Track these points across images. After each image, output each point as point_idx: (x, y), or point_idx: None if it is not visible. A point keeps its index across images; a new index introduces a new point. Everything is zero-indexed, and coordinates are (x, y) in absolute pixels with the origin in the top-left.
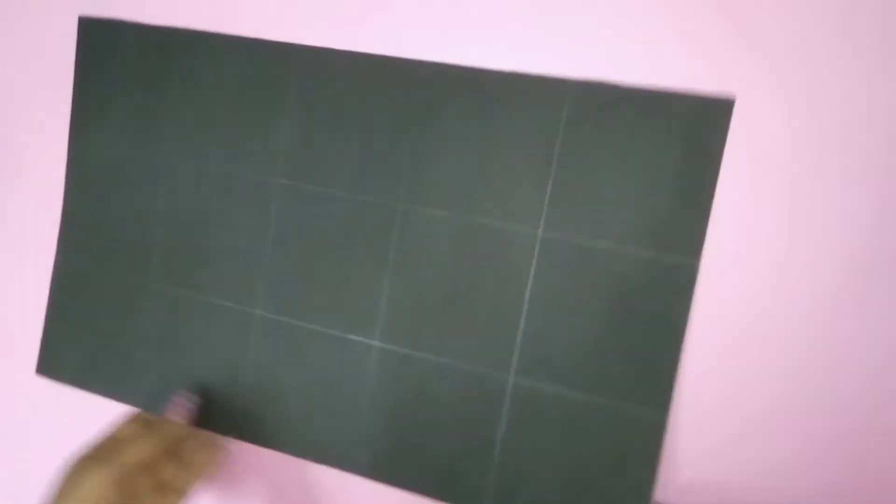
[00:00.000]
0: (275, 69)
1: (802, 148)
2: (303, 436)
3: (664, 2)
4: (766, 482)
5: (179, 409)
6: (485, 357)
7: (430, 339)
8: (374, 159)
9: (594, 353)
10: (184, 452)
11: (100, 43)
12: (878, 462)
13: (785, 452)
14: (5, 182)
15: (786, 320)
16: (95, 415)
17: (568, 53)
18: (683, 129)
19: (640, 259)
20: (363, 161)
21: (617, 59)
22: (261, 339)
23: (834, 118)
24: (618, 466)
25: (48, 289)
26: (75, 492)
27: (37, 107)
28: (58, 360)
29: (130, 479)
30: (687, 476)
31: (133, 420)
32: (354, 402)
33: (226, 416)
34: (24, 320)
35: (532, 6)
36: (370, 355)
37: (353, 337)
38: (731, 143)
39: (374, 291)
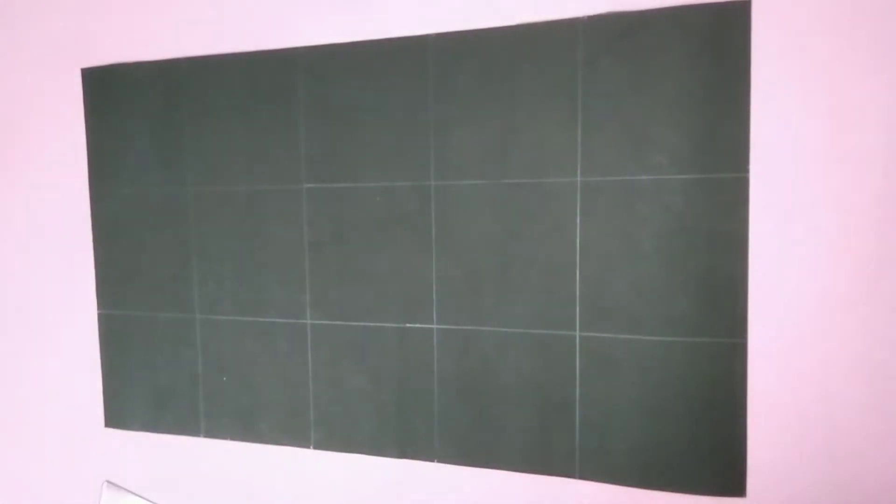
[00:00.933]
0: (281, 77)
1: (831, 30)
2: (377, 434)
3: None
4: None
5: None
6: (547, 317)
7: (488, 311)
8: (397, 143)
9: (657, 291)
10: None
11: (105, 90)
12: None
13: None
14: (35, 247)
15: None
16: (172, 456)
17: None
18: (705, 41)
19: (686, 182)
20: (386, 148)
21: None
22: (318, 347)
23: None
24: (704, 400)
25: (98, 343)
26: None
27: (52, 165)
28: (124, 410)
29: None
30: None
31: None
32: (424, 391)
33: (300, 430)
34: (83, 378)
35: None
36: (431, 340)
37: (410, 325)
38: (756, 45)
39: (424, 275)
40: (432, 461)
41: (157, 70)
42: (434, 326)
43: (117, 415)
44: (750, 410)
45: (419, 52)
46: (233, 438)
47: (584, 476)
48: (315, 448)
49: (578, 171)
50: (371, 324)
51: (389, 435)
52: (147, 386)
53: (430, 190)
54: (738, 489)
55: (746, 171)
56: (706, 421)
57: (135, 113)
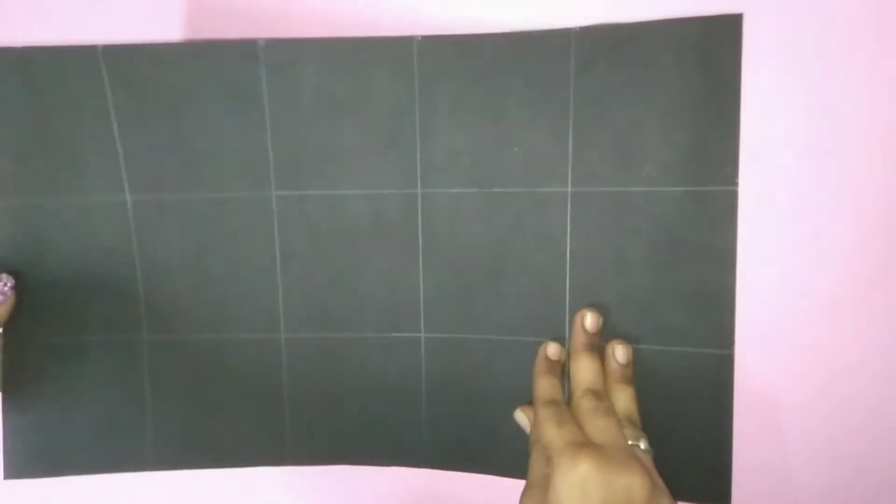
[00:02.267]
0: (239, 70)
1: (823, 44)
2: (364, 444)
3: None
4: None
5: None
6: (537, 325)
7: (478, 319)
8: (380, 149)
9: (646, 301)
10: None
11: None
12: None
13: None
14: None
15: (836, 237)
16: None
17: (564, 2)
18: (696, 54)
19: (676, 195)
20: (367, 153)
21: None
22: (295, 361)
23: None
24: (691, 409)
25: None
26: None
27: None
28: (34, 455)
29: None
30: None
31: None
32: (412, 400)
33: (275, 446)
34: None
35: None
36: (419, 349)
37: (397, 335)
38: (747, 60)
39: (411, 284)
40: (422, 468)
41: (65, 56)
42: (422, 335)
43: (23, 462)
44: (736, 420)
45: (404, 53)
46: (189, 467)
47: None
48: (292, 464)
49: (569, 181)
50: (352, 334)
51: (375, 444)
52: (71, 422)
53: (417, 199)
54: (723, 497)
55: (735, 183)
56: (692, 429)
57: (39, 109)
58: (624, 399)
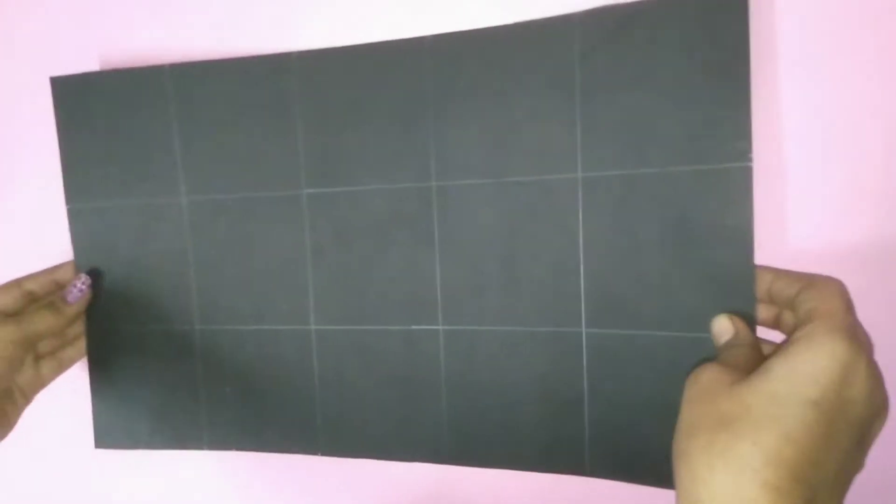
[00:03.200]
0: (275, 81)
1: (834, 13)
2: (386, 438)
3: None
4: None
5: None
6: (553, 315)
7: (494, 310)
8: (397, 145)
9: (662, 286)
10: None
11: (77, 100)
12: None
13: None
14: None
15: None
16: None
17: None
18: (702, 29)
19: (688, 174)
20: (386, 150)
21: None
22: (324, 353)
23: None
24: None
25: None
26: None
27: (26, 181)
28: (115, 429)
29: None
30: None
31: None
32: (431, 393)
33: (308, 435)
34: (72, 397)
35: None
36: (437, 341)
37: (416, 327)
38: (755, 31)
39: (428, 276)
40: (442, 463)
41: (137, 77)
42: (440, 328)
43: (109, 434)
44: None
45: (415, 53)
46: (238, 448)
47: (593, 473)
48: (323, 454)
49: (579, 167)
50: (375, 327)
51: (397, 438)
52: (143, 402)
53: (432, 191)
54: None
55: (749, 160)
56: None
57: (114, 123)
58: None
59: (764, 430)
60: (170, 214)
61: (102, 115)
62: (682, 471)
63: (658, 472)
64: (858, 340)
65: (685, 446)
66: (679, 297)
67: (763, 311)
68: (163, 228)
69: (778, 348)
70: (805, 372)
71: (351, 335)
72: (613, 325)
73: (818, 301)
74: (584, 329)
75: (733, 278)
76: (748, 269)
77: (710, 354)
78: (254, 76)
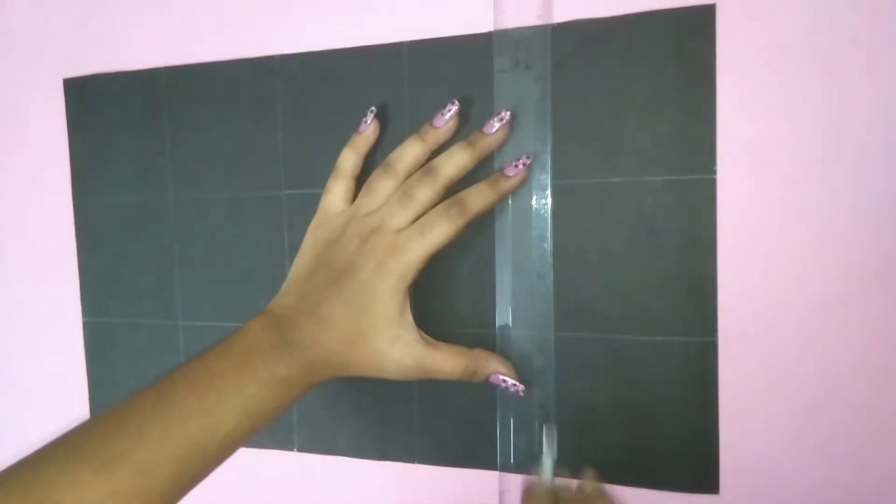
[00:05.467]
0: (260, 85)
1: (794, 37)
2: (360, 437)
3: None
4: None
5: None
6: (523, 319)
7: (464, 314)
8: (376, 149)
9: (630, 291)
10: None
11: (87, 100)
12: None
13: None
14: (18, 257)
15: (809, 227)
16: None
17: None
18: (671, 46)
19: (656, 185)
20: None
21: None
22: None
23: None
24: (677, 397)
25: (83, 352)
26: None
27: (35, 175)
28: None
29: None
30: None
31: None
32: (403, 394)
33: (285, 432)
34: (67, 387)
35: None
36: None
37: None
38: (721, 48)
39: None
40: (412, 462)
41: (138, 79)
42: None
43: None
44: (721, 408)
45: (394, 59)
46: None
47: (560, 474)
48: (299, 451)
49: (549, 175)
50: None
51: (370, 437)
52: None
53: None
54: (712, 486)
55: (713, 171)
56: (679, 418)
57: (116, 122)
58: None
59: None
60: (159, 212)
61: (107, 114)
62: None
63: (623, 472)
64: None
65: None
66: (646, 302)
67: None
68: (152, 225)
69: None
70: None
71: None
72: (581, 328)
73: None
74: (552, 333)
75: (697, 285)
76: (711, 276)
77: (674, 358)
78: (239, 78)
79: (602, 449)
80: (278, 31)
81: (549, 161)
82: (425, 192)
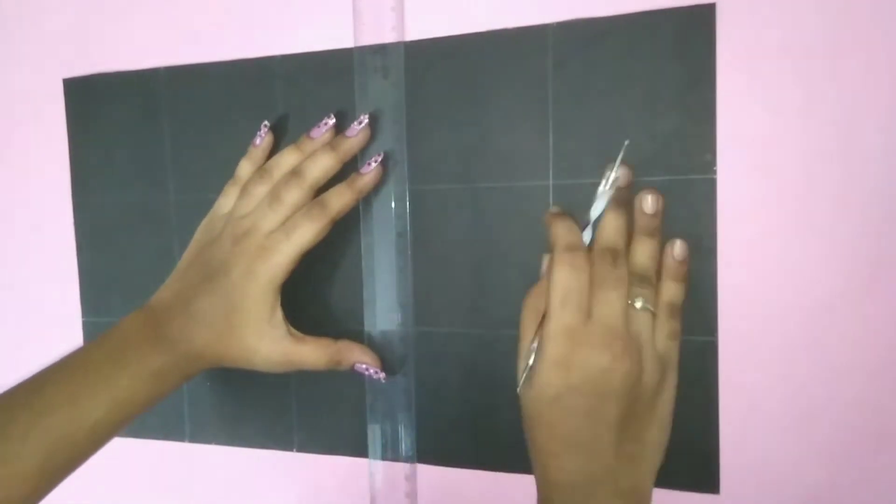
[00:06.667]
0: (259, 85)
1: (794, 36)
2: (358, 437)
3: None
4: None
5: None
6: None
7: (466, 314)
8: (371, 149)
9: None
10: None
11: (86, 100)
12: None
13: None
14: (18, 253)
15: (812, 228)
16: (158, 460)
17: (540, 0)
18: (671, 46)
19: (657, 184)
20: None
21: None
22: None
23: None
24: (679, 396)
25: None
26: None
27: (34, 174)
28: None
29: None
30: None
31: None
32: (401, 393)
33: (284, 431)
34: None
35: None
36: (409, 344)
37: (388, 329)
38: (721, 48)
39: (400, 280)
40: (411, 462)
41: (138, 79)
42: (410, 330)
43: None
44: (721, 407)
45: (393, 58)
46: (217, 443)
47: None
48: (298, 451)
49: (551, 174)
50: (347, 328)
51: (366, 437)
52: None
53: (406, 195)
54: (712, 485)
55: (714, 171)
56: (680, 417)
57: (116, 122)
58: (642, 252)
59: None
60: (159, 212)
61: (106, 114)
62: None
63: None
64: (559, 335)
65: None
66: None
67: None
68: (152, 225)
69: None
70: (542, 378)
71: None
72: None
73: (548, 295)
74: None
75: (697, 285)
76: (711, 275)
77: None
78: (239, 78)
79: None
80: (278, 31)
81: (406, 163)
82: (293, 195)
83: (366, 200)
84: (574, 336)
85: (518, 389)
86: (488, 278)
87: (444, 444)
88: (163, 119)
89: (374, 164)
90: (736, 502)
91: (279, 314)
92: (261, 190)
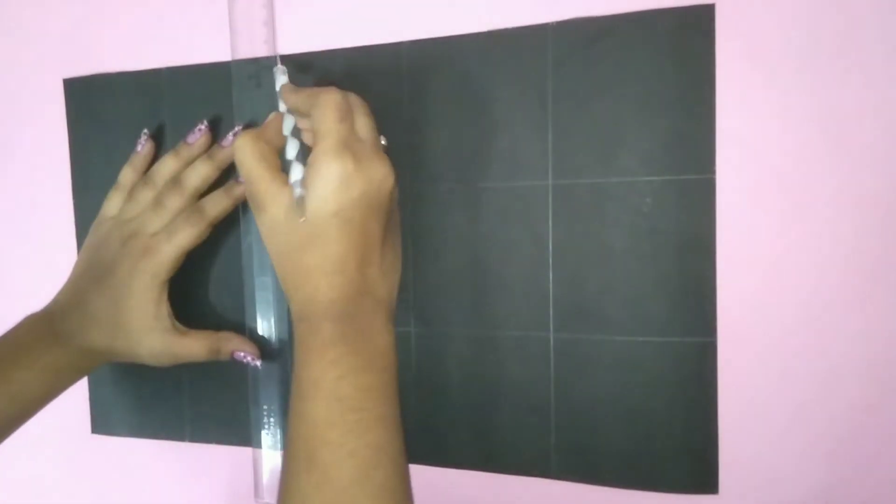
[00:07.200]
0: (259, 84)
1: (793, 36)
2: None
3: None
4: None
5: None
6: (522, 319)
7: (465, 314)
8: None
9: (629, 292)
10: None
11: (87, 100)
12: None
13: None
14: (18, 254)
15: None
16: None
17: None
18: (670, 45)
19: (654, 184)
20: None
21: None
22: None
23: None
24: (677, 398)
25: None
26: None
27: (35, 175)
28: (110, 417)
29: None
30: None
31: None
32: (402, 394)
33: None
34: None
35: None
36: (409, 343)
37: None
38: (720, 47)
39: (402, 279)
40: (411, 463)
41: (138, 79)
42: (411, 330)
43: (104, 421)
44: (721, 407)
45: (393, 58)
46: (217, 442)
47: (560, 476)
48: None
49: (550, 174)
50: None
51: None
52: (133, 392)
53: (406, 195)
54: (711, 486)
55: (712, 172)
56: (679, 418)
57: (116, 122)
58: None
59: (319, 247)
60: None
61: (107, 113)
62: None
63: (623, 473)
64: (343, 149)
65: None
66: (645, 302)
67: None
68: None
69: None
70: (318, 195)
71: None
72: (580, 329)
73: (317, 122)
74: (551, 333)
75: (696, 285)
76: (710, 276)
77: (674, 358)
78: (240, 78)
79: (602, 449)
80: (279, 30)
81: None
82: (174, 201)
83: (245, 205)
84: (354, 151)
85: (278, 219)
86: (488, 278)
87: (444, 444)
88: (164, 119)
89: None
90: (735, 502)
91: (164, 310)
92: (145, 195)
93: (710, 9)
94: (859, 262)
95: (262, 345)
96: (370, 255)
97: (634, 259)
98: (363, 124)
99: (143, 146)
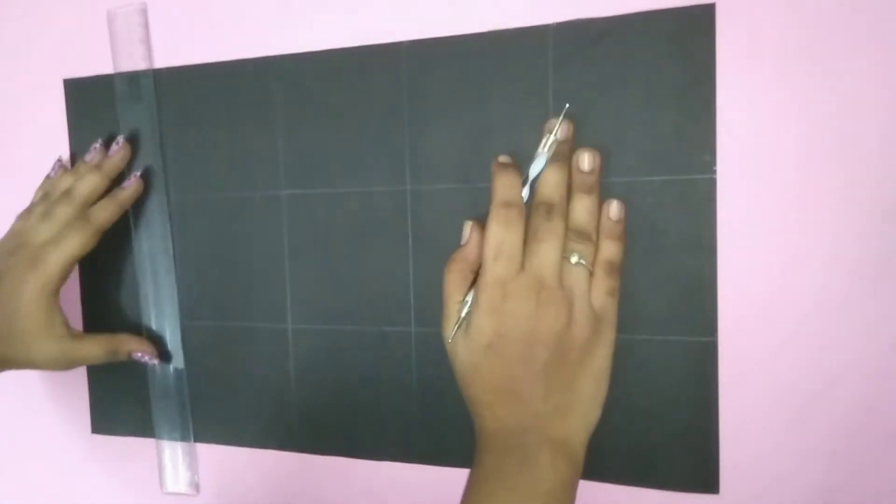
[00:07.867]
0: (258, 85)
1: (793, 36)
2: (358, 437)
3: None
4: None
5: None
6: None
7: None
8: (373, 149)
9: (630, 291)
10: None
11: (87, 100)
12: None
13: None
14: None
15: (812, 234)
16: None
17: (540, 1)
18: (670, 46)
19: (656, 184)
20: (363, 153)
21: None
22: (299, 351)
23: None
24: (678, 397)
25: None
26: None
27: (34, 176)
28: (110, 416)
29: None
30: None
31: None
32: (403, 393)
33: (283, 431)
34: (66, 388)
35: None
36: (409, 343)
37: (389, 329)
38: (721, 48)
39: (402, 279)
40: (411, 462)
41: (137, 80)
42: (412, 329)
43: (104, 420)
44: (721, 407)
45: (393, 58)
46: (216, 442)
47: None
48: (297, 451)
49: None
50: (349, 327)
51: (369, 437)
52: (133, 392)
53: (406, 195)
54: (712, 485)
55: (713, 171)
56: (679, 417)
57: (116, 122)
58: (579, 208)
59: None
60: (158, 212)
61: (107, 114)
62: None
63: (623, 471)
64: (496, 291)
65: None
66: (646, 301)
67: None
68: (152, 225)
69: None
70: (475, 324)
71: (326, 335)
72: None
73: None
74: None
75: (697, 284)
76: (711, 276)
77: (674, 358)
78: (239, 79)
79: (602, 448)
80: (278, 30)
81: (165, 176)
82: (63, 210)
83: (136, 212)
84: (505, 286)
85: (448, 341)
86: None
87: (445, 444)
88: (163, 119)
89: (133, 179)
90: (736, 502)
91: (58, 317)
92: (39, 210)
93: (710, 9)
94: (861, 261)
95: (158, 343)
96: (529, 387)
97: (635, 259)
98: (536, 252)
99: (56, 171)
